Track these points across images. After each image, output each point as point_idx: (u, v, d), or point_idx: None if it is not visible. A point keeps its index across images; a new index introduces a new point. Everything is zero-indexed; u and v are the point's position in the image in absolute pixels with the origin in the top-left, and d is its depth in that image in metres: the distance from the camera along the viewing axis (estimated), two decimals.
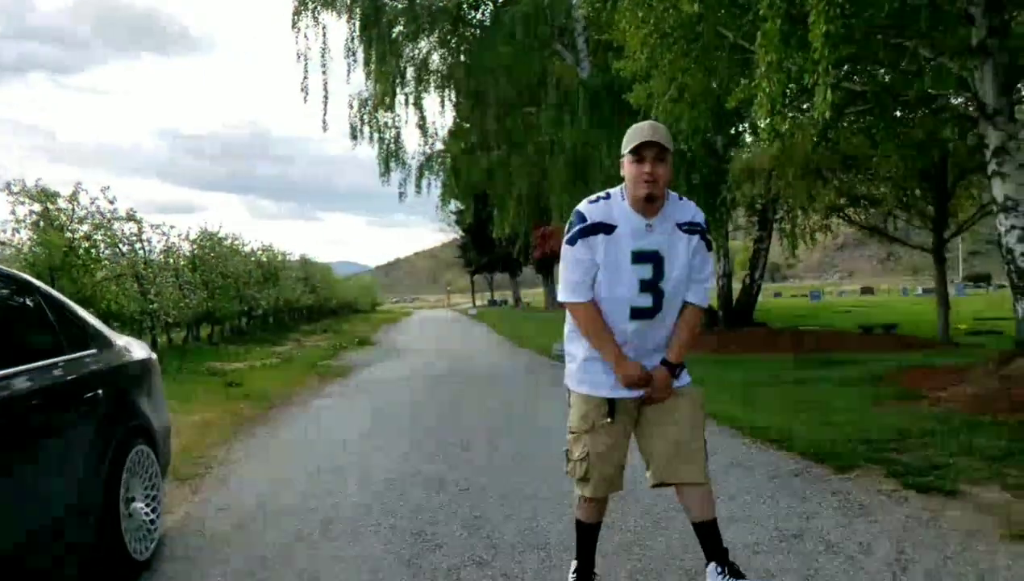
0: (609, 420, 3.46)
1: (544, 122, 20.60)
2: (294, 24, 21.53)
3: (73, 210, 14.22)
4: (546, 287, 62.42)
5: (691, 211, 3.45)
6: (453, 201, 30.15)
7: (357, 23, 21.59)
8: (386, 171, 24.15)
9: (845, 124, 11.56)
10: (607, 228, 3.31)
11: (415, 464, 6.66)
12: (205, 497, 5.87)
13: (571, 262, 3.39)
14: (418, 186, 25.65)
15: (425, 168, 25.63)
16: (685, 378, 3.57)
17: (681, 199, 3.47)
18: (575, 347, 3.57)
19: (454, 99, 24.34)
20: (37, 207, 13.57)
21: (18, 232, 13.49)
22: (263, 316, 27.19)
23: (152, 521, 4.48)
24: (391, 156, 24.03)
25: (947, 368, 10.54)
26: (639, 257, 3.33)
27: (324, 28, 21.82)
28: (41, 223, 13.49)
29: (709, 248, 3.51)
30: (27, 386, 3.54)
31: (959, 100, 10.59)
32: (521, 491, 5.64)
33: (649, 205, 3.31)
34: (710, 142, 17.13)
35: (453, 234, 70.86)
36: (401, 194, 25.42)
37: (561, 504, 5.22)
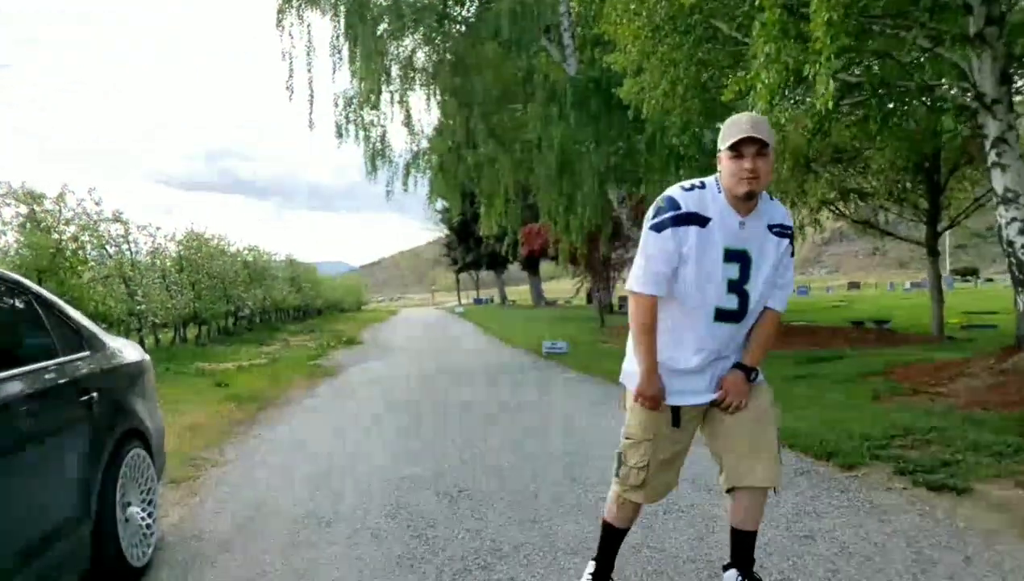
0: (674, 428, 3.30)
1: (531, 119, 20.49)
2: (278, 22, 21.35)
3: (60, 211, 14.08)
4: (532, 284, 62.44)
5: (782, 213, 3.24)
6: (440, 199, 29.96)
7: (342, 21, 21.38)
8: (372, 169, 23.95)
9: (840, 115, 11.49)
10: (701, 220, 3.07)
11: (411, 465, 6.55)
12: (200, 500, 5.77)
13: (656, 251, 3.11)
14: (405, 184, 25.44)
15: (412, 166, 25.42)
16: (757, 378, 3.36)
17: (772, 199, 3.26)
18: None
19: (440, 97, 24.17)
20: (23, 209, 13.43)
21: (4, 234, 13.36)
22: (250, 316, 27.13)
23: (148, 526, 4.37)
24: (377, 154, 23.83)
25: (945, 363, 10.50)
26: (729, 256, 3.12)
27: (309, 26, 21.63)
28: (28, 225, 13.34)
29: (793, 253, 3.29)
30: (20, 389, 3.41)
31: (954, 91, 10.52)
32: (521, 492, 5.55)
33: (746, 203, 3.09)
34: (700, 137, 17.07)
35: (438, 232, 70.71)
36: (388, 192, 25.30)
37: (563, 506, 5.15)
